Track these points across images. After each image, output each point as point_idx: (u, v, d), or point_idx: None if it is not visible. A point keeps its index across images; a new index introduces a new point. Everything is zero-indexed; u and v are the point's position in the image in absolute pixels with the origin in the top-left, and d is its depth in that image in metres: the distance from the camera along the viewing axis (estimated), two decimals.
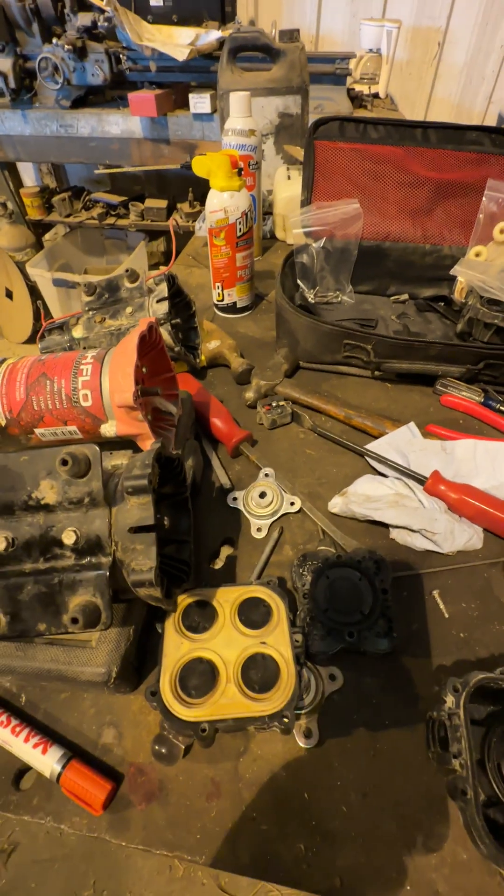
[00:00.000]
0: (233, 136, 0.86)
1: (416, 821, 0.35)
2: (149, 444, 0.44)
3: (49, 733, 0.39)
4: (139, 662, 0.41)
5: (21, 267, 2.28)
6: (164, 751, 0.36)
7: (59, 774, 0.36)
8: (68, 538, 0.32)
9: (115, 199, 2.26)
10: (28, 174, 2.59)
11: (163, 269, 0.66)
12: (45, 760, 0.36)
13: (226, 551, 0.53)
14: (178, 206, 2.23)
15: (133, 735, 0.39)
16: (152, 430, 0.49)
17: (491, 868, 0.34)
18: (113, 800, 0.36)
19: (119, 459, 0.37)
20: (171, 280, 0.66)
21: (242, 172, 0.73)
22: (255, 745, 0.39)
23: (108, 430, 0.43)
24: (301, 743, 0.38)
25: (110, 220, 2.25)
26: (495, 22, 2.14)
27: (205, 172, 0.71)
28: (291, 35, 1.03)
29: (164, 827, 0.35)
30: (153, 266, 2.40)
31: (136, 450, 0.47)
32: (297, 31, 1.04)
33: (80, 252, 2.53)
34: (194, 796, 0.37)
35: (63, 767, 0.36)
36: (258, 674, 0.37)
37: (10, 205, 2.31)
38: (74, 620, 0.29)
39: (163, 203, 2.21)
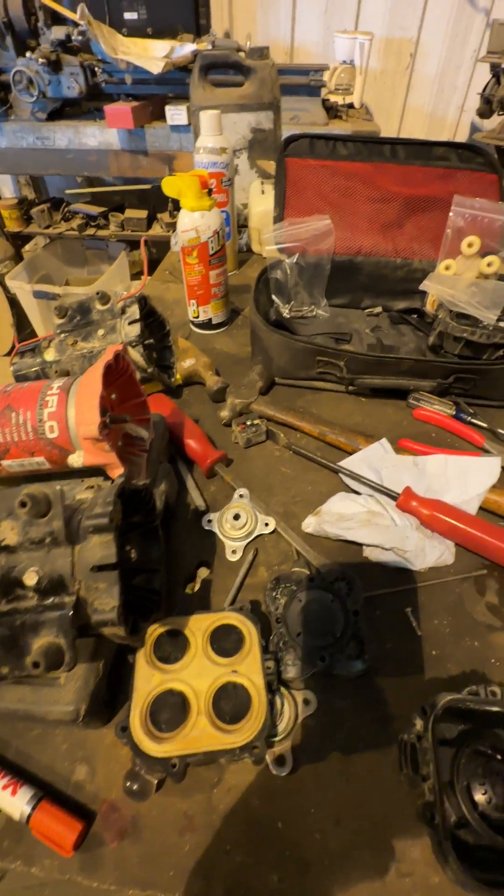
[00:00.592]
0: (204, 154, 0.86)
1: (388, 845, 0.36)
2: (117, 472, 0.44)
3: (20, 772, 0.39)
4: (111, 696, 0.41)
5: (0, 279, 2.26)
6: (135, 787, 0.36)
7: (29, 816, 0.35)
8: (30, 579, 0.32)
9: (94, 209, 2.25)
10: (6, 186, 2.57)
11: (134, 290, 0.66)
12: (15, 802, 0.36)
13: (202, 574, 0.53)
14: (158, 216, 2.23)
15: (106, 770, 0.39)
16: (123, 457, 0.49)
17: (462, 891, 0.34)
18: (85, 838, 0.36)
19: (85, 494, 0.37)
20: (143, 302, 0.66)
21: (213, 191, 0.74)
22: (229, 776, 0.39)
23: (76, 460, 0.43)
24: (274, 771, 0.38)
25: (90, 231, 2.24)
26: (464, 33, 2.19)
27: (175, 193, 0.71)
28: (262, 52, 1.04)
29: (136, 865, 0.35)
30: (135, 276, 2.40)
31: (108, 477, 0.46)
32: (267, 48, 1.05)
33: (61, 263, 2.52)
34: (168, 831, 0.36)
35: (33, 809, 0.36)
36: (229, 704, 0.37)
37: None
38: (36, 664, 0.29)
39: (143, 213, 2.22)
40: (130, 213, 2.22)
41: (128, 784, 0.36)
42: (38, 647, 0.30)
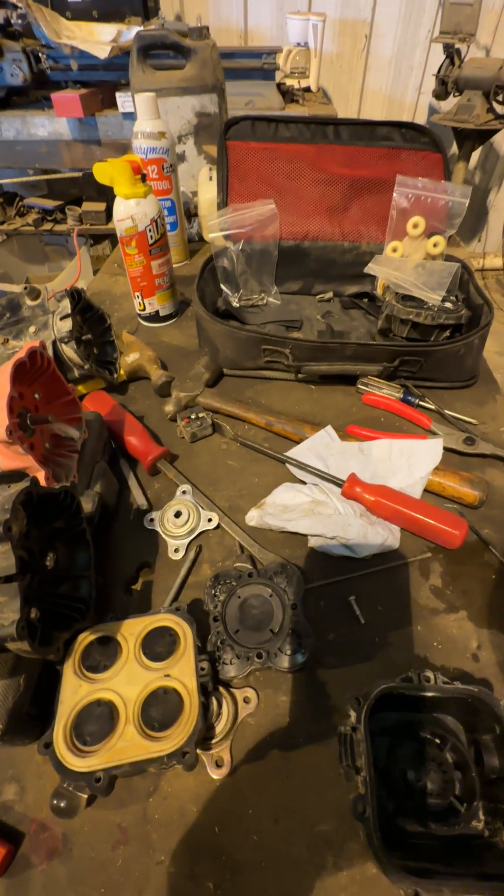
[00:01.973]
0: (142, 139, 0.83)
1: (327, 840, 0.35)
2: (40, 476, 0.42)
3: None
4: (41, 709, 0.39)
5: None
6: (63, 805, 0.34)
7: None
8: None
9: (50, 203, 2.18)
10: None
11: (68, 284, 0.63)
12: None
13: (145, 576, 0.51)
14: None
15: (36, 788, 0.37)
16: (51, 459, 0.47)
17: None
18: (12, 862, 0.34)
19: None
20: (76, 296, 0.63)
21: (146, 178, 0.71)
22: (166, 783, 0.38)
23: None
24: (212, 774, 0.37)
25: (47, 226, 2.17)
26: (418, 14, 2.17)
27: (107, 180, 0.68)
28: (201, 32, 1.00)
29: (65, 886, 0.33)
30: (98, 271, 2.33)
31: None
32: (206, 27, 1.02)
33: (19, 260, 2.44)
34: (100, 846, 0.35)
35: None
36: (159, 710, 0.36)
37: None
38: None
39: (101, 206, 2.15)
40: (88, 205, 2.15)
41: (55, 802, 0.34)
42: None
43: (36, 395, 0.47)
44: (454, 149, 2.17)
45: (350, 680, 0.42)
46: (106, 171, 0.68)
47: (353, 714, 0.36)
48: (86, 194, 2.27)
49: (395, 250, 0.79)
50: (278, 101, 1.85)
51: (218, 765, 0.38)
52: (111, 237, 2.24)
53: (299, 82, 2.02)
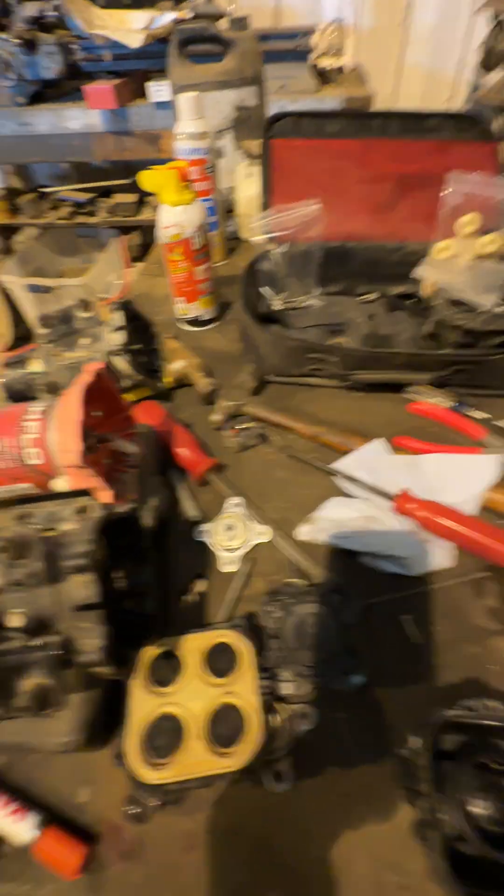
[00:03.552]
0: (185, 140, 0.82)
1: (388, 859, 0.36)
2: (105, 496, 0.43)
3: (25, 796, 0.39)
4: (110, 717, 0.41)
5: None
6: (135, 812, 0.36)
7: (34, 841, 0.36)
8: (16, 621, 0.31)
9: (81, 196, 2.19)
10: None
11: (116, 294, 0.64)
12: (21, 828, 0.37)
13: (199, 586, 0.53)
14: (148, 198, 2.17)
15: (108, 791, 0.40)
16: (111, 476, 0.48)
17: None
18: (90, 861, 0.37)
19: (70, 525, 0.36)
20: (126, 307, 0.64)
21: (195, 181, 0.70)
22: (229, 793, 0.39)
23: (62, 486, 0.42)
24: (273, 788, 0.39)
25: (80, 219, 2.19)
26: None
27: (154, 188, 0.68)
28: (241, 23, 0.98)
29: (141, 885, 0.36)
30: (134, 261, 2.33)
31: None
32: (248, 17, 0.99)
33: (53, 254, 2.47)
34: (171, 851, 0.37)
35: (36, 835, 0.36)
36: (225, 726, 0.37)
37: None
38: (26, 708, 0.29)
39: (132, 197, 2.15)
40: (119, 197, 2.16)
41: (127, 809, 0.36)
42: (26, 688, 0.30)
43: (99, 413, 0.48)
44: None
45: (405, 700, 0.43)
46: (153, 180, 0.67)
47: (413, 740, 0.36)
48: (116, 186, 2.27)
49: (444, 250, 0.76)
50: (312, 84, 1.79)
51: (277, 779, 0.39)
52: (142, 228, 2.24)
53: (334, 62, 1.95)
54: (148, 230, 2.19)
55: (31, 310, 2.24)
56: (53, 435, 0.41)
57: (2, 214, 2.23)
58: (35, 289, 2.19)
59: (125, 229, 2.25)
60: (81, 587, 0.31)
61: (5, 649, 0.32)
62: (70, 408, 0.40)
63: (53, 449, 0.41)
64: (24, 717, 0.30)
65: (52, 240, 2.43)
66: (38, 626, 0.32)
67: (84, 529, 0.33)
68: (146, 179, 0.67)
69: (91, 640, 0.30)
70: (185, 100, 0.79)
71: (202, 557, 0.54)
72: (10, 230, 2.33)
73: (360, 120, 0.80)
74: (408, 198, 0.81)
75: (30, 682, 0.31)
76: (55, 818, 0.38)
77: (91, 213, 2.18)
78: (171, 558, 0.54)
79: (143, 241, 2.31)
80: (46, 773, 0.41)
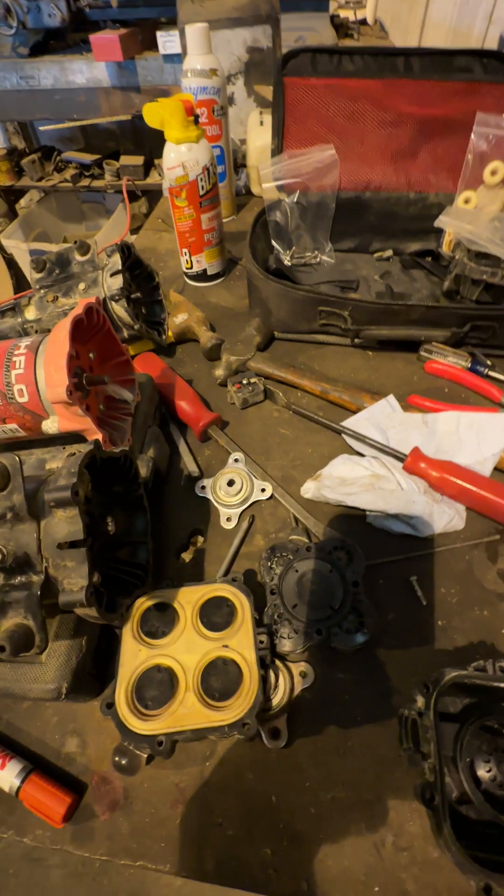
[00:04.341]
0: (192, 77, 0.77)
1: (386, 819, 0.34)
2: (98, 438, 0.41)
3: (11, 745, 0.38)
4: (100, 667, 0.39)
5: None
6: (124, 762, 0.35)
7: (18, 789, 0.35)
8: None
9: (87, 157, 2.11)
10: None
11: (116, 238, 0.60)
12: (4, 775, 0.35)
13: (196, 542, 0.50)
14: (156, 161, 2.08)
15: (97, 742, 0.38)
16: (105, 421, 0.46)
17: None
18: (76, 810, 0.36)
19: (57, 462, 0.34)
20: (126, 250, 0.60)
21: (199, 120, 0.65)
22: (222, 748, 0.38)
23: (50, 426, 0.40)
24: (269, 744, 0.37)
25: (85, 182, 2.11)
26: None
27: (158, 122, 0.63)
28: None
29: (127, 836, 0.34)
30: (135, 230, 2.27)
31: None
32: None
33: (57, 219, 2.40)
34: (159, 803, 0.36)
35: (22, 781, 0.35)
36: (219, 680, 0.35)
37: None
38: (1, 648, 0.27)
39: (139, 159, 2.07)
40: (126, 159, 2.07)
41: (116, 759, 0.35)
42: (4, 629, 0.28)
43: (91, 355, 0.45)
44: None
45: (410, 662, 0.41)
46: (157, 113, 0.63)
47: (420, 699, 0.34)
48: (123, 147, 2.19)
49: (467, 201, 0.71)
50: (331, 36, 1.69)
51: (274, 736, 0.37)
52: (149, 194, 2.16)
53: (355, 13, 1.84)
54: (155, 197, 2.12)
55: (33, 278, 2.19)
56: (42, 370, 0.38)
57: (4, 176, 2.15)
58: (37, 254, 2.13)
59: (132, 196, 2.18)
60: (65, 523, 0.29)
61: None
62: (58, 340, 0.37)
63: (42, 385, 0.38)
64: (3, 660, 0.28)
65: (55, 204, 2.36)
66: (18, 563, 0.29)
67: (71, 462, 0.30)
68: (150, 112, 0.62)
69: (75, 578, 0.28)
70: (194, 31, 0.74)
71: (201, 513, 0.52)
72: (13, 193, 2.26)
73: (381, 57, 0.74)
74: (430, 144, 0.75)
75: (8, 622, 0.29)
76: (42, 766, 0.37)
77: (96, 177, 2.10)
78: (170, 512, 0.52)
79: (149, 210, 2.23)
80: (34, 723, 0.39)
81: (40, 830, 0.35)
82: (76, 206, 2.43)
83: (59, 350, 0.36)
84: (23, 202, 2.29)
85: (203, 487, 0.53)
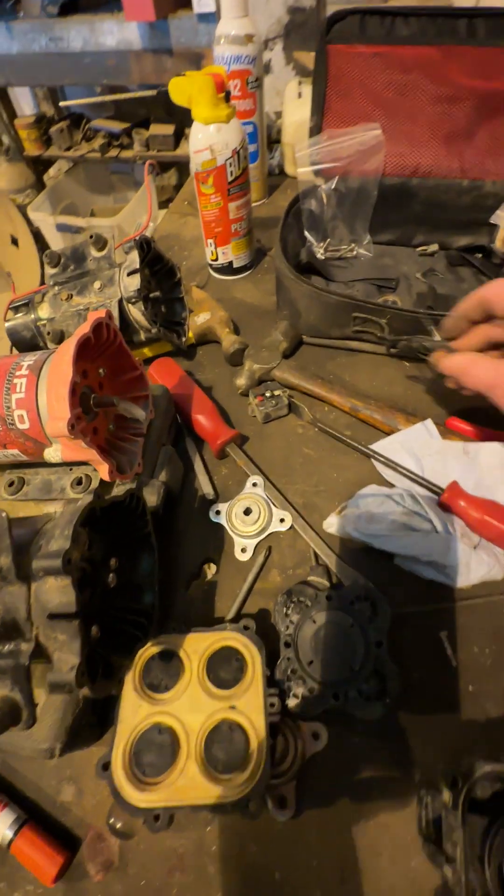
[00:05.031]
0: (225, 45, 0.69)
1: None
2: (103, 469, 0.37)
3: (6, 789, 0.36)
4: (100, 714, 0.37)
5: (23, 210, 2.12)
6: (119, 826, 0.33)
7: (10, 842, 0.33)
8: None
9: (116, 126, 2.02)
10: (25, 102, 2.31)
11: (138, 230, 0.55)
12: None
13: (209, 571, 0.47)
14: (186, 131, 1.97)
15: (94, 792, 0.36)
16: (114, 445, 0.42)
17: None
18: (69, 866, 0.34)
19: (55, 507, 0.31)
20: (145, 246, 0.55)
21: (232, 96, 0.59)
22: (225, 816, 0.35)
23: (53, 455, 0.37)
24: (275, 814, 0.34)
25: (113, 152, 2.03)
26: None
27: (185, 100, 0.57)
28: None
29: None
30: (164, 203, 2.18)
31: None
32: None
33: (85, 190, 2.34)
34: (156, 868, 0.34)
35: (15, 834, 0.33)
36: (223, 749, 0.32)
37: (5, 139, 2.12)
38: None
39: (169, 129, 1.97)
40: (156, 128, 1.97)
41: (111, 821, 0.33)
42: None
43: (101, 371, 0.41)
44: None
45: (435, 731, 0.37)
46: (184, 89, 0.56)
47: (446, 793, 0.30)
48: (154, 115, 2.08)
49: None
50: None
51: (281, 805, 0.34)
52: (179, 165, 2.07)
53: None
54: (185, 168, 2.02)
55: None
56: (44, 395, 0.35)
57: (32, 145, 2.09)
58: (64, 228, 2.08)
59: (162, 166, 2.09)
60: (56, 592, 0.25)
61: None
62: (61, 366, 0.33)
63: (44, 411, 0.35)
64: None
65: (84, 176, 2.29)
66: (6, 629, 0.27)
67: (64, 521, 0.27)
68: (176, 88, 0.56)
69: (66, 654, 0.25)
70: None
71: (215, 540, 0.48)
72: (41, 163, 2.20)
73: (440, 19, 0.64)
74: (491, 124, 0.66)
75: None
76: (36, 816, 0.35)
77: (125, 146, 2.01)
78: (181, 537, 0.48)
79: (179, 181, 2.14)
80: (32, 766, 0.38)
81: (31, 886, 0.33)
82: (105, 177, 2.35)
83: (61, 377, 0.32)
84: (51, 172, 2.23)
85: (218, 513, 0.49)
